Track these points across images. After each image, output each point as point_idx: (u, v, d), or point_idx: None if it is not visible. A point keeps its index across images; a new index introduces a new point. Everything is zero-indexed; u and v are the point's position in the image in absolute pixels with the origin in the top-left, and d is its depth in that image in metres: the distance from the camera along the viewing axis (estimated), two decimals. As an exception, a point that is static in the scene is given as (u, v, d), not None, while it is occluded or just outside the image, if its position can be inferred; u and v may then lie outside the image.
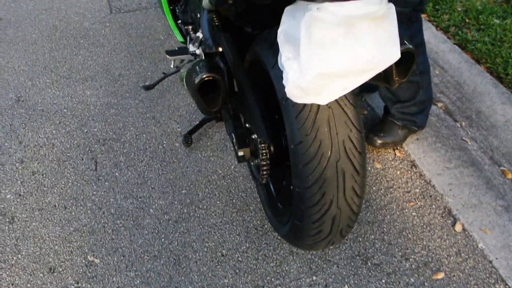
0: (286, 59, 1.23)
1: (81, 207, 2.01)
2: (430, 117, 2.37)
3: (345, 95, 1.40)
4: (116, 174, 2.15)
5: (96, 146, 2.27)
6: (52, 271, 1.80)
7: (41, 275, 1.79)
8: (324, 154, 1.38)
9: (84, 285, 1.76)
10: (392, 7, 1.20)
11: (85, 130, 2.36)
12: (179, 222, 1.96)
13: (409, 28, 1.97)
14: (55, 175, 2.14)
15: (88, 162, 2.20)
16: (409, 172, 2.16)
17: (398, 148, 2.26)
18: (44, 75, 2.67)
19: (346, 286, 1.76)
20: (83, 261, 1.83)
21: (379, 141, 2.22)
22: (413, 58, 1.52)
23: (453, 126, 2.35)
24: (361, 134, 1.42)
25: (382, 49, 1.20)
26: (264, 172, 1.61)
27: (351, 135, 1.39)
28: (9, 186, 2.09)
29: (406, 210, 2.01)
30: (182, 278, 1.78)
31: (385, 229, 1.94)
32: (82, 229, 1.94)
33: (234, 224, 1.96)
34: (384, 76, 1.60)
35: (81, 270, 1.81)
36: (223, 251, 1.87)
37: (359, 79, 1.24)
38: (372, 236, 1.91)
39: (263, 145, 1.59)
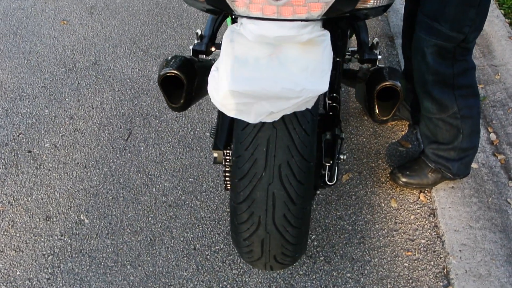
0: (212, 69, 1.21)
1: (97, 170, 2.17)
2: (481, 168, 2.13)
3: (299, 120, 1.33)
4: (141, 148, 2.28)
5: (137, 118, 2.42)
6: (47, 219, 1.99)
7: (37, 220, 1.99)
8: (257, 173, 1.33)
9: (65, 239, 1.92)
10: (326, 34, 1.12)
11: (135, 102, 2.52)
12: (172, 207, 2.03)
13: (452, 66, 1.79)
14: (91, 136, 2.33)
15: (123, 132, 2.35)
16: (424, 220, 1.97)
17: (426, 191, 2.07)
18: (126, 45, 2.89)
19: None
20: (76, 218, 1.99)
21: (402, 179, 2.06)
22: (399, 96, 1.40)
23: (504, 184, 2.08)
24: (308, 163, 1.34)
25: (307, 78, 1.12)
26: (226, 179, 1.60)
27: (291, 161, 1.32)
28: (51, 136, 2.33)
29: (400, 258, 1.85)
30: (148, 259, 1.85)
31: (366, 271, 1.81)
32: (89, 189, 2.10)
33: (220, 222, 1.97)
34: (368, 110, 1.49)
35: (70, 225, 1.96)
36: (197, 245, 1.90)
37: (283, 105, 1.17)
38: (349, 274, 1.80)
39: (228, 151, 1.58)
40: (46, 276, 1.80)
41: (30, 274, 1.80)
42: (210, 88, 1.17)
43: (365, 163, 2.19)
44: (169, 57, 1.50)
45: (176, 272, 1.81)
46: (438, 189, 2.06)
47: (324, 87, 1.12)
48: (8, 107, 2.49)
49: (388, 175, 2.12)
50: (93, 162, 2.21)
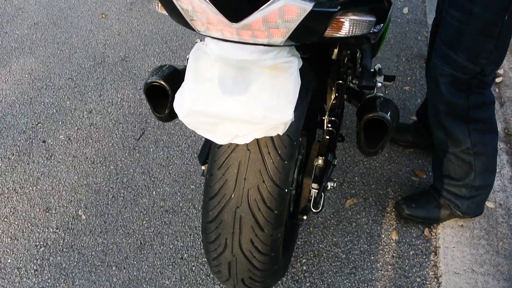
0: (182, 86, 1.18)
1: (104, 167, 2.20)
2: (497, 209, 2.01)
3: (274, 145, 1.29)
4: (150, 149, 2.28)
5: (152, 119, 2.43)
6: (46, 210, 2.03)
7: (37, 210, 2.03)
8: (226, 195, 1.30)
9: (60, 232, 1.95)
10: (293, 61, 1.07)
11: (154, 102, 2.53)
12: (168, 213, 2.02)
13: (467, 98, 1.69)
14: (105, 132, 2.36)
15: (136, 131, 2.37)
16: (424, 257, 1.87)
17: (432, 226, 1.96)
18: (157, 44, 2.92)
19: None
20: (74, 213, 2.02)
21: (406, 211, 1.96)
22: (387, 129, 1.33)
23: (519, 228, 1.95)
24: (280, 190, 1.29)
25: (270, 105, 1.08)
26: None
27: (261, 186, 1.28)
28: (67, 128, 2.38)
29: (389, 295, 1.76)
30: (134, 262, 1.85)
31: (351, 304, 1.73)
32: (92, 185, 2.12)
33: (212, 234, 1.94)
34: (357, 140, 1.43)
35: (66, 219, 2.00)
36: (185, 255, 1.88)
37: (248, 129, 1.13)
38: (332, 305, 1.73)
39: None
40: (34, 267, 1.83)
41: (20, 263, 1.84)
42: (175, 104, 1.15)
43: (373, 189, 2.10)
44: (159, 66, 1.48)
45: (159, 279, 1.80)
46: (445, 226, 1.95)
47: (287, 116, 1.07)
48: (33, 96, 2.56)
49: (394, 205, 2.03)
50: (101, 159, 2.24)
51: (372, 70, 1.65)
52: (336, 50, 1.68)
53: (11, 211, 2.02)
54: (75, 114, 2.46)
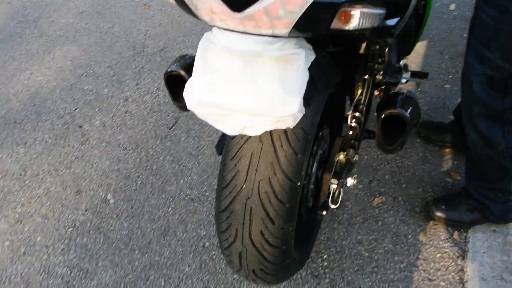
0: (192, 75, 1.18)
1: (135, 154, 2.24)
2: (535, 215, 1.91)
3: (288, 138, 1.27)
4: (182, 138, 2.31)
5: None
6: (77, 193, 2.09)
7: (69, 192, 2.09)
8: (237, 186, 1.29)
9: (88, 214, 2.00)
10: (301, 53, 1.05)
11: (189, 92, 2.56)
12: (194, 201, 2.04)
13: (503, 99, 1.61)
14: (139, 120, 2.41)
15: (170, 120, 2.40)
16: (451, 261, 1.80)
17: (462, 230, 1.89)
18: (196, 36, 2.95)
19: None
20: (103, 196, 2.07)
21: (436, 213, 1.89)
22: (405, 126, 1.29)
23: (557, 237, 1.85)
24: (291, 183, 1.27)
25: (276, 97, 1.06)
26: None
27: (272, 179, 1.26)
28: (103, 115, 2.44)
29: (411, 297, 1.71)
30: (157, 248, 1.88)
31: (370, 304, 1.70)
32: (122, 171, 2.17)
33: (234, 225, 1.94)
34: (375, 136, 1.40)
35: (95, 202, 2.05)
36: (207, 243, 1.89)
37: (256, 120, 1.12)
38: (350, 304, 1.70)
39: None
40: (62, 247, 1.89)
41: (48, 241, 1.91)
42: (185, 94, 1.15)
43: (404, 188, 2.05)
44: (180, 56, 1.49)
45: (179, 266, 1.82)
46: (476, 230, 1.88)
47: (292, 108, 1.05)
48: (73, 82, 2.64)
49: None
50: (133, 145, 2.28)
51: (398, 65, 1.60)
52: (364, 45, 1.64)
53: (44, 192, 2.09)
54: (112, 101, 2.52)
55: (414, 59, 2.70)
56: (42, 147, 2.28)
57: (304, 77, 1.05)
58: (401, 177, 2.09)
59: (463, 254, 1.82)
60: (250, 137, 1.27)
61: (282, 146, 1.26)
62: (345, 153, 1.55)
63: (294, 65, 1.04)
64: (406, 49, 2.03)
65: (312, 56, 1.16)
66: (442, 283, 1.74)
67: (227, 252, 1.40)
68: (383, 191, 2.04)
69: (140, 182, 2.12)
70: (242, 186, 1.28)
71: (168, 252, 1.86)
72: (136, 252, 1.86)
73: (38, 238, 1.91)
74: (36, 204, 2.03)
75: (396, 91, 1.44)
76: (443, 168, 2.11)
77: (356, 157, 1.56)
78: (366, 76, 1.55)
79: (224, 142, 1.51)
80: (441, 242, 1.86)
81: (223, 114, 1.13)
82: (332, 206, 1.55)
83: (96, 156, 2.23)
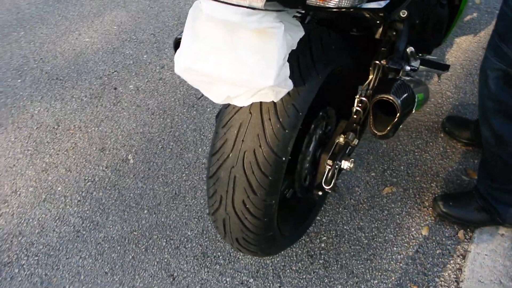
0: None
1: (161, 119, 2.33)
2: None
3: (277, 112, 1.30)
4: (208, 109, 2.38)
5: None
6: (101, 150, 2.21)
7: (94, 149, 2.21)
8: (224, 154, 1.34)
9: (107, 171, 2.12)
10: (279, 27, 1.07)
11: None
12: (208, 170, 2.10)
13: (509, 91, 1.57)
14: (170, 87, 2.49)
15: (199, 91, 2.46)
16: (450, 259, 1.78)
17: (468, 229, 1.86)
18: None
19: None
20: (124, 156, 2.18)
21: (442, 209, 1.87)
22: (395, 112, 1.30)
23: None
24: (276, 157, 1.30)
25: (254, 68, 1.09)
26: None
27: (257, 151, 1.30)
28: (138, 79, 2.54)
29: (401, 288, 1.71)
30: (165, 210, 1.96)
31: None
32: (146, 134, 2.26)
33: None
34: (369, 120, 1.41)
35: (116, 161, 2.16)
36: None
37: (237, 91, 1.16)
38: (340, 287, 1.72)
39: None
40: (79, 198, 2.01)
41: (67, 192, 2.03)
42: (175, 59, 1.20)
43: (417, 181, 2.02)
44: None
45: (182, 229, 1.89)
46: (483, 231, 1.84)
47: (268, 81, 1.08)
48: (116, 46, 2.75)
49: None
50: (161, 111, 2.37)
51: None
52: (380, 30, 1.63)
53: (71, 146, 2.21)
54: (149, 67, 2.61)
55: (454, 53, 2.62)
56: (77, 104, 2.41)
57: (282, 51, 1.07)
58: (416, 169, 2.06)
59: (464, 254, 1.78)
60: (241, 107, 1.31)
61: (270, 119, 1.29)
62: (345, 136, 1.56)
63: (272, 39, 1.06)
64: (435, 40, 1.99)
65: (300, 33, 1.18)
66: (437, 280, 1.72)
67: (213, 218, 1.45)
68: (395, 182, 2.02)
69: (161, 146, 2.20)
70: (229, 155, 1.32)
71: (174, 215, 1.94)
72: (145, 211, 1.95)
73: (59, 188, 2.04)
74: (63, 157, 2.16)
75: (393, 77, 1.42)
76: (461, 165, 2.07)
77: (355, 141, 1.56)
78: (376, 62, 1.54)
79: (222, 112, 1.56)
80: (444, 239, 1.83)
81: (209, 82, 1.17)
82: (326, 187, 1.56)
83: (125, 118, 2.33)
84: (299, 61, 1.33)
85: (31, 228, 1.90)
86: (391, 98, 1.28)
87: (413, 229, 1.87)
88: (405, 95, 1.31)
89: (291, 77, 1.29)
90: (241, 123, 1.31)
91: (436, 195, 1.93)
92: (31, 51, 2.75)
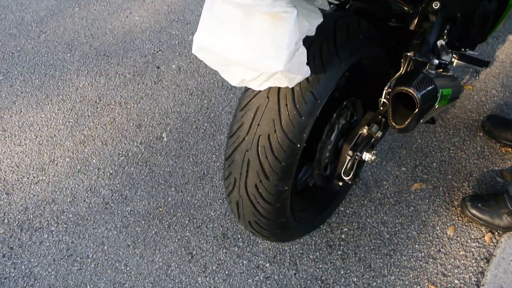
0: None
1: (199, 100, 2.37)
2: None
3: (294, 99, 1.31)
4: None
5: (257, 66, 2.52)
6: (138, 127, 2.27)
7: (131, 124, 2.28)
8: (240, 137, 1.36)
9: (141, 148, 2.18)
10: (292, 12, 1.07)
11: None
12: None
13: None
14: (211, 69, 2.52)
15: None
16: (473, 262, 1.73)
17: (496, 233, 1.80)
18: None
19: None
20: (159, 134, 2.24)
21: (471, 210, 1.81)
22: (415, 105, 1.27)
23: None
24: (290, 143, 1.31)
25: (265, 52, 1.10)
26: None
27: (271, 136, 1.31)
28: (181, 60, 2.59)
29: (416, 287, 1.68)
30: (192, 189, 2.01)
31: (375, 284, 1.70)
32: (182, 113, 2.31)
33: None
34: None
35: (151, 138, 2.22)
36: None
37: (251, 74, 1.17)
38: (355, 279, 1.71)
39: None
40: (111, 171, 2.09)
41: (101, 165, 2.11)
42: (194, 37, 1.22)
43: (448, 179, 1.97)
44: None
45: (206, 209, 1.93)
46: (511, 237, 1.77)
47: (278, 66, 1.08)
48: (164, 26, 2.81)
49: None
50: (199, 92, 2.41)
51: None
52: (415, 21, 1.59)
53: (110, 121, 2.29)
54: (185, 48, 2.65)
55: (506, 49, 2.51)
56: (120, 80, 2.49)
57: (294, 36, 1.07)
58: (449, 167, 2.00)
59: (488, 258, 1.73)
60: (259, 91, 1.32)
61: (286, 105, 1.29)
62: (368, 127, 1.53)
63: (285, 23, 1.06)
64: (479, 36, 1.91)
65: (318, 19, 1.17)
66: (456, 281, 1.68)
67: (228, 200, 1.47)
68: (425, 178, 1.98)
69: (195, 126, 2.24)
70: (244, 138, 1.34)
71: (200, 195, 1.98)
72: (172, 189, 2.00)
73: (94, 160, 2.12)
74: (101, 130, 2.24)
75: (419, 70, 1.38)
76: (497, 166, 1.99)
77: (379, 134, 1.54)
78: (408, 54, 1.51)
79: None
80: (469, 241, 1.78)
81: (225, 63, 1.18)
82: (345, 178, 1.55)
83: (164, 96, 2.39)
84: (321, 48, 1.32)
85: (63, 197, 1.99)
86: (410, 90, 1.24)
87: (438, 228, 1.82)
88: (427, 89, 1.27)
89: (311, 64, 1.29)
90: (258, 107, 1.32)
91: (466, 195, 1.87)
92: (83, 26, 2.84)
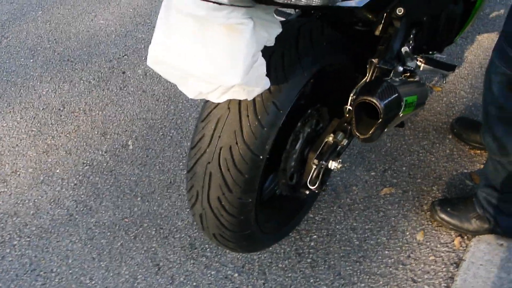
0: None
1: (165, 106, 2.33)
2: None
3: (255, 109, 1.27)
4: (212, 98, 2.35)
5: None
6: (103, 135, 2.22)
7: (95, 133, 2.23)
8: (201, 149, 1.32)
9: (106, 156, 2.12)
10: (248, 23, 1.03)
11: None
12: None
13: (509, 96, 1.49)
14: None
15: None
16: (443, 267, 1.72)
17: (466, 237, 1.79)
18: None
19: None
20: (124, 141, 2.18)
21: (440, 215, 1.80)
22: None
23: None
24: (252, 155, 1.27)
25: (221, 64, 1.06)
26: None
27: (233, 148, 1.28)
28: (147, 64, 2.53)
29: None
30: (158, 198, 1.96)
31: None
32: (148, 120, 2.26)
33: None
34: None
35: (116, 146, 2.16)
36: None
37: (208, 88, 1.13)
38: (324, 287, 1.68)
39: None
40: (75, 181, 2.03)
41: (65, 175, 2.05)
42: (149, 49, 1.17)
43: (418, 184, 1.96)
44: None
45: (173, 219, 1.89)
46: (481, 241, 1.77)
47: (234, 79, 1.04)
48: (129, 29, 2.75)
49: (432, 205, 1.87)
50: (165, 98, 2.36)
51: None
52: (380, 26, 1.56)
53: (74, 129, 2.23)
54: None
55: (474, 50, 2.53)
56: (85, 87, 2.42)
57: (250, 49, 1.03)
58: (419, 171, 2.00)
59: (458, 262, 1.72)
60: (220, 103, 1.28)
61: (248, 116, 1.26)
62: (334, 135, 1.51)
63: (240, 36, 1.03)
64: (446, 38, 1.90)
65: (277, 30, 1.14)
66: (426, 287, 1.66)
67: (192, 212, 1.44)
68: (394, 182, 1.96)
69: (161, 133, 2.20)
70: (205, 150, 1.30)
71: (167, 204, 1.93)
72: (139, 198, 1.96)
73: (57, 170, 2.06)
74: (65, 139, 2.18)
75: (382, 78, 1.36)
76: (466, 169, 1.99)
77: (345, 142, 1.51)
78: (373, 60, 1.49)
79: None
80: (438, 246, 1.77)
81: (182, 76, 1.15)
82: (311, 187, 1.52)
83: (129, 103, 2.34)
84: (283, 57, 1.29)
85: (26, 209, 1.93)
86: (373, 100, 1.22)
87: (407, 233, 1.81)
88: (390, 98, 1.25)
89: (272, 73, 1.26)
90: (219, 119, 1.28)
91: (436, 199, 1.86)
92: (46, 31, 2.77)
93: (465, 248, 1.76)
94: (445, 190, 1.93)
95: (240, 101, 1.26)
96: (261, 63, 1.12)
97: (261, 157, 1.28)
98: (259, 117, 1.26)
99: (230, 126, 1.26)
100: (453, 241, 1.78)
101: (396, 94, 1.25)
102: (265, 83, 1.16)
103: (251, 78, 1.08)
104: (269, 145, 1.29)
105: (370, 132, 1.26)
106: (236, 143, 1.26)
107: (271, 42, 1.14)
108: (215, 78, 1.06)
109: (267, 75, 1.14)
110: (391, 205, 1.89)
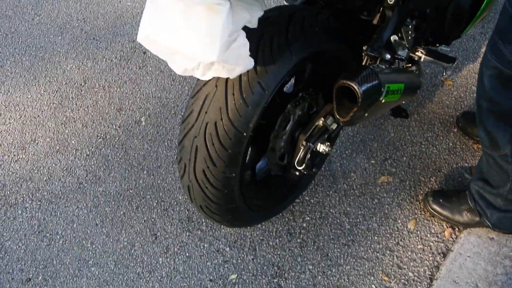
0: None
1: (180, 87, 2.41)
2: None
3: (241, 88, 1.34)
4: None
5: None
6: (118, 110, 2.32)
7: (111, 108, 2.34)
8: (189, 123, 1.40)
9: (119, 131, 2.23)
10: (225, 4, 1.10)
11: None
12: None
13: (503, 91, 1.50)
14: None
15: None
16: (430, 256, 1.75)
17: (457, 229, 1.82)
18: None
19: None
20: (138, 118, 2.28)
21: (432, 206, 1.83)
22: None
23: (561, 262, 1.71)
24: (236, 131, 1.34)
25: (200, 42, 1.13)
26: None
27: (218, 124, 1.35)
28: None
29: (372, 278, 1.71)
30: (163, 173, 2.05)
31: (330, 272, 1.73)
32: (163, 99, 2.35)
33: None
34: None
35: (129, 122, 2.27)
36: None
37: (190, 64, 1.20)
38: (311, 267, 1.74)
39: None
40: (88, 152, 2.15)
41: (79, 145, 2.17)
42: (139, 26, 1.25)
43: (416, 174, 1.98)
44: None
45: (174, 193, 1.98)
46: (471, 233, 1.79)
47: (211, 56, 1.11)
48: (154, 12, 2.84)
49: (427, 195, 1.90)
50: (181, 78, 2.44)
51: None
52: (378, 16, 1.60)
53: (92, 103, 2.35)
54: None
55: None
56: (107, 64, 2.54)
57: (227, 28, 1.10)
58: (419, 162, 2.02)
59: (445, 252, 1.75)
60: (210, 80, 1.35)
61: (233, 94, 1.33)
62: (324, 119, 1.56)
63: (219, 15, 1.09)
64: (453, 31, 1.91)
65: (259, 12, 1.20)
66: (410, 274, 1.71)
67: (181, 183, 1.52)
68: (393, 171, 1.99)
69: (173, 112, 2.29)
70: (193, 125, 1.38)
71: (170, 179, 2.02)
72: (145, 172, 2.05)
73: (73, 141, 2.18)
74: (83, 112, 2.30)
75: (367, 65, 1.40)
76: (467, 163, 2.00)
77: (334, 126, 1.56)
78: (363, 48, 1.53)
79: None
80: (428, 235, 1.80)
81: (169, 53, 1.22)
82: (298, 167, 1.58)
83: (147, 82, 2.43)
84: (272, 40, 1.35)
85: (40, 175, 2.06)
86: (352, 84, 1.27)
87: (399, 221, 1.84)
88: (371, 83, 1.29)
89: (260, 54, 1.32)
90: (207, 95, 1.35)
91: (428, 191, 1.89)
92: (76, 10, 2.90)
93: (454, 239, 1.78)
94: (442, 182, 1.94)
95: (227, 79, 1.32)
96: (243, 43, 1.18)
97: (244, 134, 1.35)
98: (244, 96, 1.32)
99: (216, 102, 1.33)
100: (443, 231, 1.80)
101: (376, 81, 1.29)
102: (248, 63, 1.22)
103: (230, 56, 1.15)
104: (253, 123, 1.35)
105: (349, 115, 1.31)
106: (221, 119, 1.33)
107: (253, 24, 1.20)
108: (194, 54, 1.13)
109: (254, 56, 1.20)
110: (386, 193, 1.93)
